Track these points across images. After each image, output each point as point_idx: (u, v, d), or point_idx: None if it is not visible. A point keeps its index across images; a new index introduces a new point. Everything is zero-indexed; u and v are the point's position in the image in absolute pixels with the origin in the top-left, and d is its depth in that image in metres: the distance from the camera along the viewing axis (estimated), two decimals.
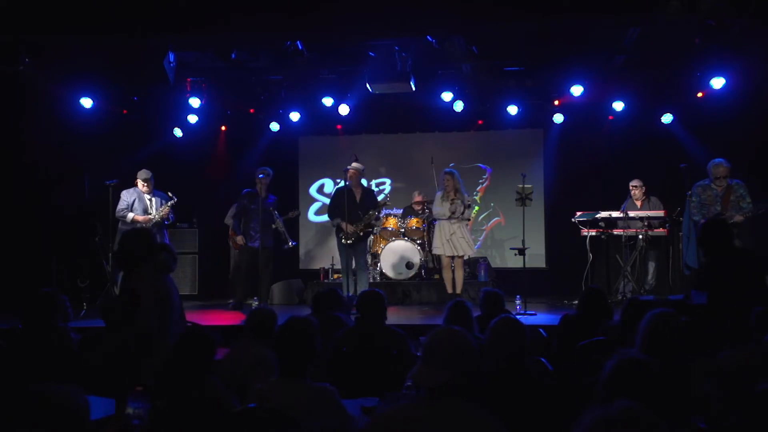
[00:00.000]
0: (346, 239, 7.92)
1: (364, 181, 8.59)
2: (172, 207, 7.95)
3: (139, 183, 7.89)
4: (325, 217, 10.05)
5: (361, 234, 8.07)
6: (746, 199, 7.11)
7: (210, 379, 3.02)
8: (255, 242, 8.21)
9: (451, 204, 7.83)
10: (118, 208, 7.79)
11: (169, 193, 7.97)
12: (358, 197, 8.10)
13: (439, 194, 8.06)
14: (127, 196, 7.84)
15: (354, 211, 7.94)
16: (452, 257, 7.93)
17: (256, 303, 7.53)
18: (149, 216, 7.81)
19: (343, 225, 7.91)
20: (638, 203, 8.22)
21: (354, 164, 8.12)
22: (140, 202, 7.87)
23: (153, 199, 7.94)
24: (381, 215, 9.00)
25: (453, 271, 7.99)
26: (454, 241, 7.86)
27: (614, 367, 2.24)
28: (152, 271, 4.26)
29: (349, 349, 4.12)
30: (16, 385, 2.39)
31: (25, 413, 1.93)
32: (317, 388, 2.94)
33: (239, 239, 8.33)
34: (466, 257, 8.15)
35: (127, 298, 4.16)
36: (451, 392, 2.36)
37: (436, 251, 8.12)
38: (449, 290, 8.02)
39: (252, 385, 3.04)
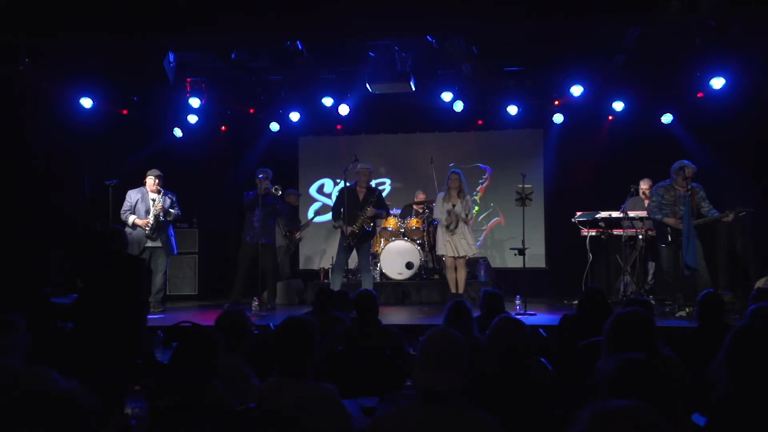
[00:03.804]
0: (348, 241, 7.94)
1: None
2: (173, 203, 7.97)
3: (148, 181, 7.87)
4: (324, 218, 10.08)
5: (358, 232, 7.96)
6: (706, 201, 7.14)
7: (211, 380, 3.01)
8: (255, 239, 8.17)
9: (453, 207, 7.86)
10: (122, 210, 7.79)
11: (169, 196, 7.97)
12: (361, 197, 8.09)
13: (441, 195, 8.07)
14: (131, 197, 7.82)
15: (355, 210, 7.95)
16: (454, 257, 7.95)
17: (256, 303, 7.50)
18: (148, 219, 7.78)
19: (345, 228, 7.91)
20: (646, 202, 8.21)
21: (364, 166, 8.15)
22: (143, 203, 7.84)
23: (157, 198, 7.88)
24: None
25: (456, 271, 8.02)
26: (455, 241, 7.89)
27: (617, 368, 2.23)
28: None
29: (345, 348, 4.13)
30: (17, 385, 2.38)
31: (25, 413, 1.93)
32: (317, 388, 2.93)
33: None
34: (467, 258, 8.15)
35: None
36: (449, 395, 2.36)
37: (439, 252, 8.16)
38: (453, 290, 8.02)
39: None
